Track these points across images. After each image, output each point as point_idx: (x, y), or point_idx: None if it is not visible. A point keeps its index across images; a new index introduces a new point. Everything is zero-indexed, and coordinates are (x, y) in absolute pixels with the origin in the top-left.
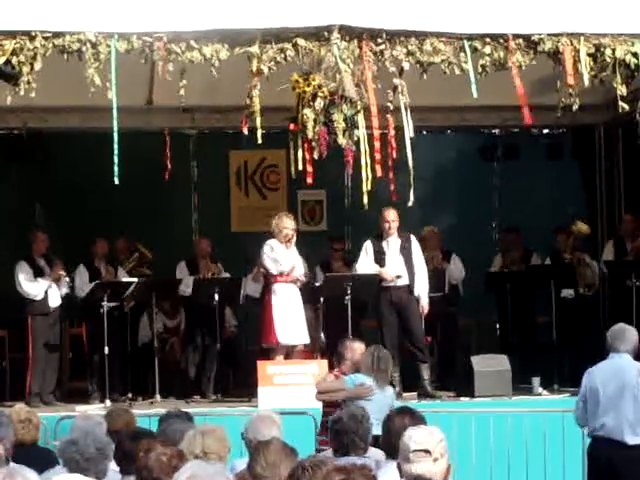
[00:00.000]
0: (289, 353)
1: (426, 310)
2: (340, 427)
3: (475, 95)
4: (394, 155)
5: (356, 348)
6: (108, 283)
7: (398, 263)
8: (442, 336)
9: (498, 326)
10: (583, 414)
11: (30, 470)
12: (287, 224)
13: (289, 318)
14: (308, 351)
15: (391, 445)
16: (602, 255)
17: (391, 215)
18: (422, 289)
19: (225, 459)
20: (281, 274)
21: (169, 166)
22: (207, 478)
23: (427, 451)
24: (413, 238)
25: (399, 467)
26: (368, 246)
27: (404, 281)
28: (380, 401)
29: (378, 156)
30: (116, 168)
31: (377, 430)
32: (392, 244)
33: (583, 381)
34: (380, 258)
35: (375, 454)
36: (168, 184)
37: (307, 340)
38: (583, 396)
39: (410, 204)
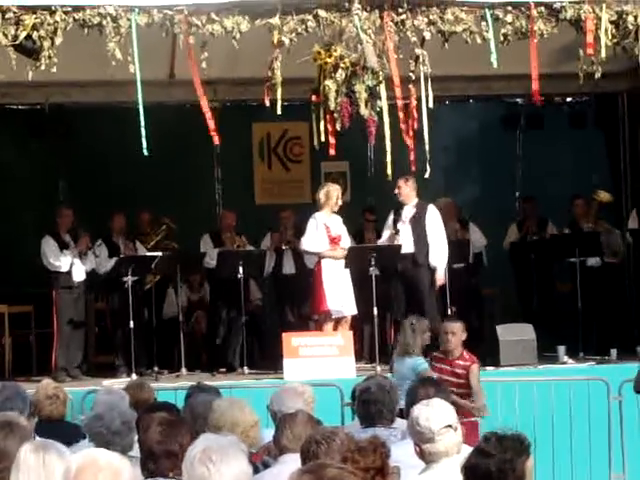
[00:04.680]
0: (337, 323)
1: (439, 282)
2: (368, 397)
3: (495, 65)
4: (415, 125)
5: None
6: (131, 258)
7: (406, 232)
8: (466, 306)
9: (520, 295)
10: None
11: (61, 445)
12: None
13: (339, 288)
14: (355, 323)
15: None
16: (627, 224)
17: (399, 182)
18: (437, 260)
19: (257, 429)
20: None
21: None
22: (221, 450)
23: (449, 425)
24: (431, 208)
25: (416, 448)
26: (389, 217)
27: (409, 249)
28: (399, 372)
29: (403, 126)
30: (144, 140)
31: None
32: (405, 213)
33: None
34: (395, 226)
35: (402, 425)
36: (191, 157)
37: (355, 311)
38: None
39: (427, 175)
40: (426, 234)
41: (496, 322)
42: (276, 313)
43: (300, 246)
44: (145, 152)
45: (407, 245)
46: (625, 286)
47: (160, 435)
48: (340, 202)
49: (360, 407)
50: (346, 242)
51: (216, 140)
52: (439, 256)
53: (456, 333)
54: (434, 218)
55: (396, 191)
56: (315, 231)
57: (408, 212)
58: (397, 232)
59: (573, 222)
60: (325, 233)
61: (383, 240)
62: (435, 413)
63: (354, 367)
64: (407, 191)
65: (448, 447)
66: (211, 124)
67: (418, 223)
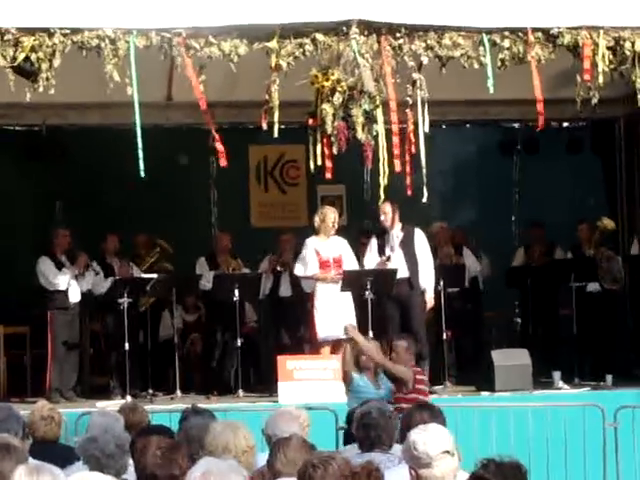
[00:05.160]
0: (335, 347)
1: (429, 305)
2: (368, 421)
3: (492, 90)
4: (412, 150)
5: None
6: (127, 279)
7: (398, 256)
8: (462, 331)
9: (520, 320)
10: None
11: (55, 467)
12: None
13: (332, 313)
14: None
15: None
16: (629, 250)
17: (385, 207)
18: (427, 283)
19: (250, 455)
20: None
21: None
22: (221, 474)
23: (447, 451)
24: (418, 231)
25: (412, 473)
26: (372, 242)
27: (404, 274)
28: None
29: (396, 151)
30: (141, 162)
31: None
32: (393, 238)
33: None
34: (382, 252)
35: (398, 450)
36: (187, 180)
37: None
38: None
39: (424, 200)
40: (416, 257)
41: (492, 347)
42: (272, 335)
43: (294, 271)
44: (142, 174)
45: (401, 270)
46: (624, 312)
47: (161, 458)
48: (336, 225)
49: (360, 431)
50: (349, 264)
51: (223, 162)
52: (428, 278)
53: (399, 351)
54: (422, 241)
55: (382, 217)
56: (305, 256)
57: (395, 237)
58: (388, 259)
59: (576, 246)
60: (315, 258)
61: (370, 267)
62: (433, 438)
63: None
64: (394, 216)
65: (445, 473)
66: (220, 147)
67: (408, 247)
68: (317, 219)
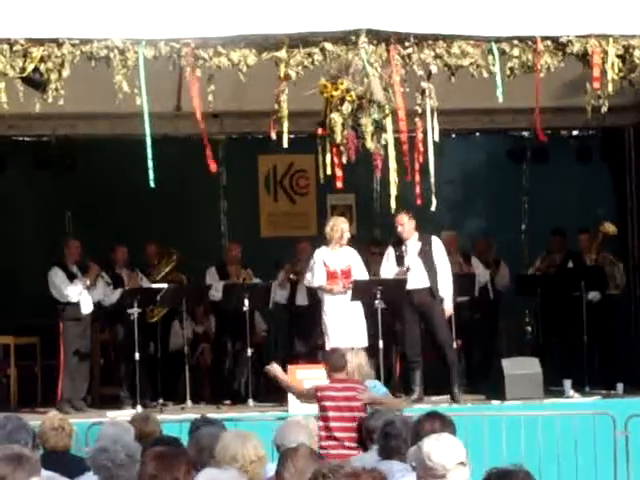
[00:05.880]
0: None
1: (448, 313)
2: (392, 430)
3: (501, 99)
4: (421, 159)
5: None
6: (137, 290)
7: (417, 266)
8: (472, 339)
9: (530, 329)
10: None
11: (66, 479)
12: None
13: (341, 322)
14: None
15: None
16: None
17: (402, 219)
18: (445, 291)
19: (258, 465)
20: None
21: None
22: None
23: (462, 462)
24: (435, 240)
25: None
26: (390, 252)
27: (424, 284)
28: None
29: (406, 160)
30: (151, 172)
31: None
32: (411, 247)
33: None
34: (400, 262)
35: None
36: (197, 190)
37: (365, 343)
38: None
39: (433, 209)
40: (435, 266)
41: (502, 356)
42: (286, 344)
43: (303, 281)
44: (152, 184)
45: (422, 279)
46: (629, 319)
47: (155, 469)
48: (348, 235)
49: (382, 439)
50: (358, 275)
51: (212, 168)
52: (446, 287)
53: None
54: (440, 250)
55: (399, 228)
56: (313, 267)
57: (413, 246)
58: (408, 269)
59: (577, 255)
60: (323, 269)
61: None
62: (448, 449)
63: None
64: (411, 226)
65: None
66: (212, 164)
67: (427, 256)
68: (327, 229)
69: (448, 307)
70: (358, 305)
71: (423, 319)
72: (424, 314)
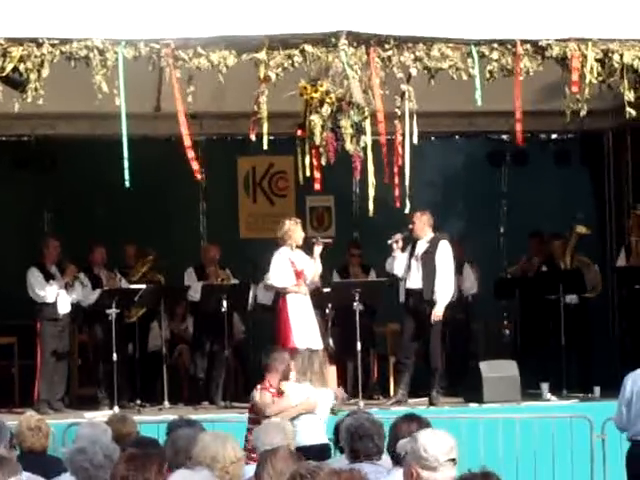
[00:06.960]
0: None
1: (434, 317)
2: (363, 432)
3: (479, 102)
4: (400, 161)
5: (285, 357)
6: (115, 290)
7: (416, 268)
8: (450, 342)
9: (508, 332)
10: (627, 419)
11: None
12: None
13: (305, 324)
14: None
15: (397, 452)
16: (615, 261)
17: (413, 217)
18: (440, 295)
19: (238, 466)
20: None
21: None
22: None
23: (454, 459)
24: (442, 244)
25: (413, 473)
26: (410, 247)
27: (417, 285)
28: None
29: (384, 162)
30: (127, 172)
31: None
32: (418, 248)
33: (627, 386)
34: (410, 258)
35: (385, 461)
36: (176, 190)
37: (321, 345)
38: (627, 401)
39: (407, 211)
40: (435, 269)
41: (480, 359)
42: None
43: (267, 281)
44: (127, 184)
45: (416, 281)
46: (608, 323)
47: (126, 470)
48: (302, 234)
49: (353, 442)
50: (308, 275)
51: (198, 177)
52: (443, 292)
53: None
54: (444, 254)
55: (410, 226)
56: (281, 266)
57: (421, 247)
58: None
59: (550, 260)
60: (291, 269)
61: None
62: (444, 444)
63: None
64: (420, 225)
65: (446, 479)
66: (194, 165)
67: (429, 259)
68: (285, 231)
69: (437, 311)
70: (311, 307)
71: (417, 323)
72: (416, 317)
